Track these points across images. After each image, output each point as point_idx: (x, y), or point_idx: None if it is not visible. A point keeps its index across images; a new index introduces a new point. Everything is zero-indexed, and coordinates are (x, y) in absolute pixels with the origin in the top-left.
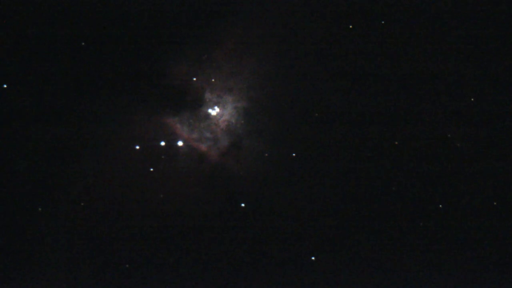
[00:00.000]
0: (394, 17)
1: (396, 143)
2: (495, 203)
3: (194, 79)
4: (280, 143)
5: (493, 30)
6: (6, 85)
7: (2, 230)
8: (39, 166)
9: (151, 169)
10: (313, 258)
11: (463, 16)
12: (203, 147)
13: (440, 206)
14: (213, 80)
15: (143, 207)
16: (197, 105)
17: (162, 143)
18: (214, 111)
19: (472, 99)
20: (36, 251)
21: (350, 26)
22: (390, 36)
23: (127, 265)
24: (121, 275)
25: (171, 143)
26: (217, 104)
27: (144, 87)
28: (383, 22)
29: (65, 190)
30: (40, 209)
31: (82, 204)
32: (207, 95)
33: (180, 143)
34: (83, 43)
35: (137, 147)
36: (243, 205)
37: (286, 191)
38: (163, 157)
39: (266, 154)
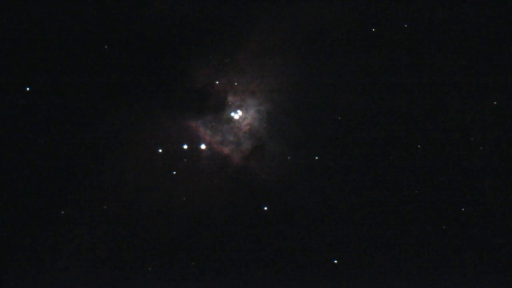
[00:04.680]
0: (417, 20)
1: (419, 146)
2: None
3: (217, 82)
4: (303, 147)
5: None
6: (29, 87)
7: (25, 233)
8: (62, 169)
9: (174, 172)
10: (335, 261)
11: (487, 20)
12: (226, 150)
13: (463, 209)
14: (235, 83)
15: (166, 210)
16: (219, 108)
17: (185, 146)
18: (237, 115)
19: (495, 103)
20: (59, 254)
21: (373, 30)
22: (413, 40)
23: (149, 268)
24: (143, 277)
25: (194, 146)
26: (240, 107)
27: (167, 91)
28: (405, 25)
29: (88, 193)
30: (63, 212)
31: (105, 207)
32: (230, 98)
33: (203, 146)
34: (106, 47)
35: (160, 151)
36: (266, 208)
37: (309, 194)
38: (185, 160)
39: (289, 157)
